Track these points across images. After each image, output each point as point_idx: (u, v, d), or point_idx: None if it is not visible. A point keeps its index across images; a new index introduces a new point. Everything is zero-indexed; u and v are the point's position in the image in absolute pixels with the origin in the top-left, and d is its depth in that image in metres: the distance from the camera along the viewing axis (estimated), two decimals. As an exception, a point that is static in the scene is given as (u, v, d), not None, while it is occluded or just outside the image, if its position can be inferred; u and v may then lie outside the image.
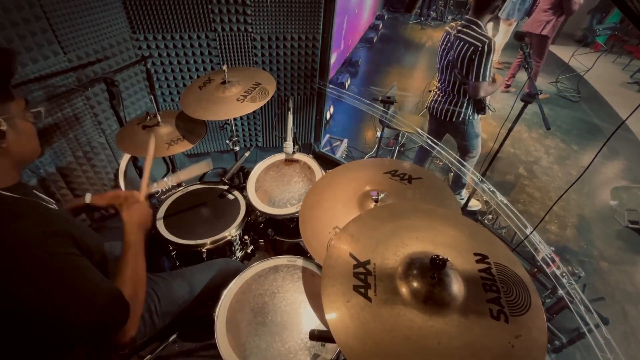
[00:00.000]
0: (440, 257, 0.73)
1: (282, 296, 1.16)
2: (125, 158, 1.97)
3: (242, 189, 1.69)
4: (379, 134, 2.62)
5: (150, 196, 1.21)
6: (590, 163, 1.43)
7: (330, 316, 0.71)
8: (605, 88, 5.06)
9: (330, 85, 2.55)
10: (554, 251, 1.68)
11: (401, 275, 0.77)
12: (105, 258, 0.93)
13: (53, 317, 0.67)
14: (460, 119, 2.18)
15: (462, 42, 1.91)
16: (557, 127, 3.95)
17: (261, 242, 1.89)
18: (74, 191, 1.83)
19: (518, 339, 0.68)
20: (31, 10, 1.41)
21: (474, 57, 1.86)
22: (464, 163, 2.35)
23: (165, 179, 1.31)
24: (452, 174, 2.81)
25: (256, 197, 1.60)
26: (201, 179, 1.83)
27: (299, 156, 1.80)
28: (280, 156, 1.81)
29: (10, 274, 0.64)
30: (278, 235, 1.69)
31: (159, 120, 1.56)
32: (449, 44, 2.03)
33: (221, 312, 1.10)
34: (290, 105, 1.92)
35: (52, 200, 0.87)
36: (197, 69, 2.30)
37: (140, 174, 1.91)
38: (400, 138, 3.17)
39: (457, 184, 2.64)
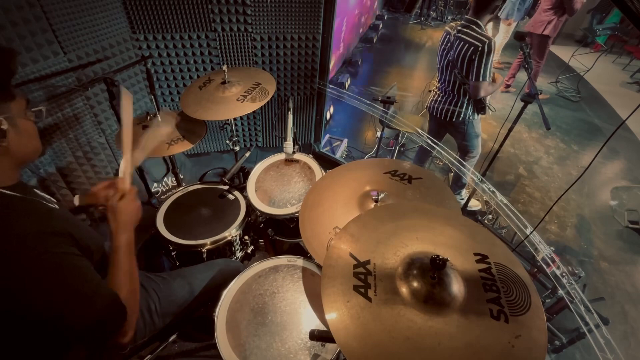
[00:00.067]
0: (440, 257, 0.73)
1: (282, 296, 1.16)
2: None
3: (242, 189, 1.69)
4: (379, 134, 2.62)
5: (150, 195, 1.21)
6: (590, 163, 1.43)
7: (330, 316, 0.71)
8: (605, 88, 5.06)
9: (330, 85, 2.55)
10: (554, 251, 1.68)
11: (401, 275, 0.77)
12: (106, 258, 0.93)
13: (53, 316, 0.67)
14: (461, 119, 2.17)
15: (462, 42, 1.91)
16: (557, 127, 3.95)
17: (261, 242, 1.89)
18: (74, 191, 1.83)
19: (518, 339, 0.68)
20: (31, 10, 1.41)
21: (474, 57, 1.86)
22: (464, 163, 2.35)
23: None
24: (452, 174, 2.81)
25: (256, 197, 1.60)
26: (201, 179, 1.83)
27: (299, 156, 1.80)
28: (280, 156, 1.81)
29: (10, 273, 0.64)
30: (278, 235, 1.69)
31: (159, 120, 1.56)
32: (449, 44, 2.03)
33: (221, 312, 1.10)
34: (290, 105, 1.92)
35: (52, 199, 0.87)
36: (197, 69, 2.30)
37: (141, 174, 1.92)
38: (400, 138, 3.17)
39: (457, 184, 2.64)
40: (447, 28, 2.07)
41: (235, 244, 1.56)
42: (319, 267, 1.23)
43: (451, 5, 7.86)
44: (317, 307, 1.12)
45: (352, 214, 1.05)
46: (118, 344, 0.79)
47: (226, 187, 1.69)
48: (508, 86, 4.64)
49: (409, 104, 4.19)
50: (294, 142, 1.74)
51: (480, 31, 1.86)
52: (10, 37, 1.35)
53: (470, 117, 2.17)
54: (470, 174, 2.26)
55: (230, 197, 1.66)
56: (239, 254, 1.62)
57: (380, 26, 6.65)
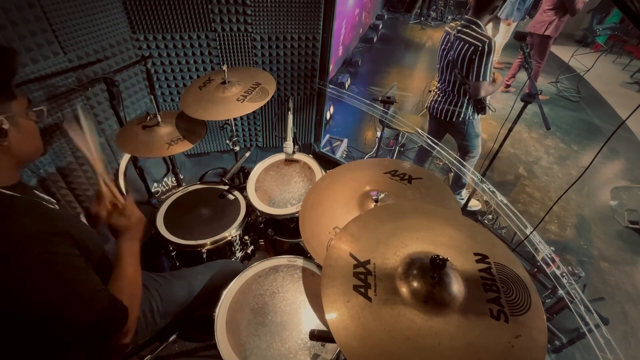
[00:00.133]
0: (440, 257, 0.73)
1: (282, 296, 1.16)
2: (125, 158, 1.97)
3: (242, 189, 1.69)
4: (379, 134, 2.62)
5: (150, 196, 1.21)
6: (590, 163, 1.43)
7: (330, 316, 0.71)
8: (605, 88, 5.06)
9: (330, 85, 2.55)
10: (554, 251, 1.68)
11: (401, 275, 0.77)
12: (106, 258, 0.93)
13: (52, 316, 0.67)
14: (461, 119, 2.18)
15: (462, 42, 1.91)
16: (557, 127, 3.95)
17: (261, 242, 1.89)
18: (74, 191, 1.83)
19: (518, 339, 0.68)
20: (31, 10, 1.41)
21: (474, 57, 1.86)
22: (464, 163, 2.35)
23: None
24: (452, 174, 2.81)
25: (256, 197, 1.60)
26: (201, 179, 1.83)
27: (299, 156, 1.80)
28: (280, 156, 1.81)
29: (10, 273, 0.64)
30: (278, 235, 1.69)
31: (159, 120, 1.56)
32: (448, 44, 2.03)
33: (221, 312, 1.10)
34: (290, 105, 1.92)
35: (52, 200, 0.87)
36: (197, 69, 2.30)
37: (141, 174, 1.92)
38: (400, 138, 3.17)
39: (457, 184, 2.64)
40: (447, 28, 2.07)
41: (235, 244, 1.56)
42: (319, 267, 1.23)
43: (451, 5, 7.86)
44: (317, 307, 1.12)
45: (352, 214, 1.05)
46: (118, 345, 0.79)
47: (226, 187, 1.69)
48: (508, 86, 4.64)
49: (409, 104, 4.19)
50: (294, 142, 1.74)
51: (480, 31, 1.86)
52: (10, 37, 1.35)
53: (470, 117, 2.17)
54: (470, 174, 2.26)
55: (230, 197, 1.66)
56: (239, 254, 1.62)
57: (380, 26, 6.65)
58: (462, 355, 0.66)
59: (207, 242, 1.43)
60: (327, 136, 3.11)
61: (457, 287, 0.75)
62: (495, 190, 1.92)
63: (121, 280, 0.85)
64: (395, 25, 7.46)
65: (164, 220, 1.52)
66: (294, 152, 1.76)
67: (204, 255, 1.45)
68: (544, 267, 1.65)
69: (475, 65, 1.88)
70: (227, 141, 1.95)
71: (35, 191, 0.84)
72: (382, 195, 1.11)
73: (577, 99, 4.64)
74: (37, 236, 0.68)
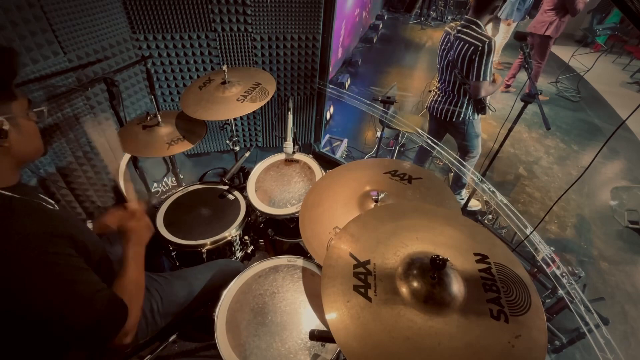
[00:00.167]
0: (440, 257, 0.73)
1: (282, 296, 1.16)
2: (125, 158, 1.97)
3: (242, 189, 1.69)
4: (379, 134, 2.62)
5: (150, 196, 1.22)
6: (590, 163, 1.43)
7: (330, 316, 0.71)
8: (605, 88, 5.06)
9: (330, 85, 2.55)
10: (554, 251, 1.68)
11: (401, 275, 0.77)
12: (106, 259, 0.93)
13: (52, 317, 0.67)
14: (461, 119, 2.18)
15: (462, 42, 1.91)
16: (557, 127, 3.96)
17: (261, 242, 1.89)
18: (74, 191, 1.83)
19: (518, 339, 0.68)
20: (31, 10, 1.41)
21: (474, 57, 1.86)
22: (464, 163, 2.35)
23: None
24: (452, 174, 2.81)
25: (256, 197, 1.60)
26: (201, 179, 1.83)
27: (299, 156, 1.80)
28: (280, 156, 1.81)
29: (10, 273, 0.64)
30: (278, 235, 1.69)
31: (159, 120, 1.56)
32: (448, 44, 2.03)
33: (221, 312, 1.10)
34: (290, 105, 1.92)
35: (52, 200, 0.87)
36: (197, 69, 2.30)
37: (141, 174, 1.92)
38: (400, 138, 3.17)
39: (457, 184, 2.64)
40: (446, 28, 2.07)
41: (235, 244, 1.56)
42: (319, 267, 1.23)
43: (451, 5, 7.86)
44: (317, 307, 1.12)
45: (352, 214, 1.05)
46: (119, 345, 0.79)
47: (226, 187, 1.69)
48: (508, 86, 4.64)
49: (409, 104, 4.19)
50: (294, 142, 1.74)
51: (480, 31, 1.86)
52: (10, 37, 1.35)
53: (470, 117, 2.17)
54: (470, 174, 2.26)
55: (230, 197, 1.66)
56: (239, 254, 1.62)
57: (380, 26, 6.65)
58: (462, 355, 0.66)
59: (207, 242, 1.43)
60: (327, 136, 3.11)
61: (457, 287, 0.75)
62: (495, 190, 1.92)
63: (125, 281, 0.87)
64: (395, 25, 7.46)
65: (164, 220, 1.52)
66: (294, 152, 1.76)
67: (204, 255, 1.45)
68: (544, 267, 1.65)
69: (476, 65, 1.88)
70: (227, 141, 1.95)
71: (35, 192, 0.84)
72: (382, 195, 1.11)
73: (577, 99, 4.64)
74: (36, 237, 0.68)
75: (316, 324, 1.08)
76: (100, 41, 1.78)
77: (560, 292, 1.58)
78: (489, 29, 4.37)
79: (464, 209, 2.38)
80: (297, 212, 1.50)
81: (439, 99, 2.23)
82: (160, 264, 1.65)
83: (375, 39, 6.18)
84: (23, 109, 0.77)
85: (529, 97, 1.71)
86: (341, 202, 1.20)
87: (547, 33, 3.82)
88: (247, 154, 1.81)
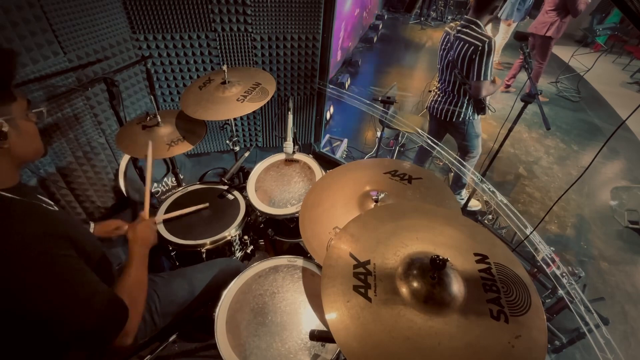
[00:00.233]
0: (440, 257, 0.72)
1: (282, 296, 1.16)
2: (125, 158, 1.98)
3: (242, 189, 1.69)
4: (379, 134, 2.62)
5: (150, 196, 1.24)
6: (590, 163, 1.43)
7: (330, 316, 0.71)
8: (605, 88, 5.06)
9: (330, 85, 2.55)
10: (554, 251, 1.68)
11: (401, 276, 0.77)
12: (106, 260, 0.93)
13: (51, 317, 0.67)
14: (461, 119, 2.18)
15: (462, 42, 1.91)
16: (557, 127, 3.96)
17: (261, 242, 1.89)
18: (74, 191, 1.83)
19: (518, 339, 0.68)
20: (31, 10, 1.41)
21: (474, 56, 1.86)
22: (464, 163, 2.35)
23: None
24: (452, 174, 2.81)
25: (256, 197, 1.59)
26: (201, 179, 1.83)
27: (299, 156, 1.79)
28: (280, 156, 1.81)
29: (10, 273, 0.64)
30: (278, 235, 1.69)
31: (159, 120, 1.56)
32: (448, 44, 2.03)
33: (221, 312, 1.10)
34: (290, 105, 1.92)
35: (51, 202, 0.87)
36: (197, 69, 2.30)
37: (141, 174, 1.92)
38: (400, 138, 3.17)
39: (457, 184, 2.64)
40: (446, 28, 2.07)
41: (234, 244, 1.56)
42: (319, 267, 1.23)
43: (451, 5, 7.86)
44: (317, 307, 1.12)
45: (352, 214, 1.05)
46: (120, 346, 0.79)
47: (226, 187, 1.69)
48: (508, 86, 4.64)
49: (409, 104, 4.19)
50: (294, 142, 1.74)
51: (480, 31, 1.86)
52: (10, 37, 1.35)
53: (471, 117, 2.17)
54: (470, 174, 2.26)
55: (230, 197, 1.66)
56: (238, 254, 1.62)
57: (380, 26, 6.65)
58: (462, 355, 0.66)
59: (207, 242, 1.43)
60: (327, 136, 3.11)
61: (457, 287, 0.75)
62: (495, 190, 1.92)
63: (128, 281, 0.89)
64: (395, 25, 7.46)
65: (164, 220, 1.52)
66: (294, 152, 1.76)
67: (204, 255, 1.45)
68: (544, 267, 1.65)
69: (476, 65, 1.88)
70: (227, 141, 1.95)
71: (34, 192, 0.84)
72: (382, 195, 1.11)
73: (577, 99, 4.64)
74: (36, 237, 0.68)
75: (316, 324, 1.08)
76: (100, 41, 1.78)
77: (560, 292, 1.58)
78: (488, 29, 4.38)
79: (464, 209, 2.38)
80: (297, 212, 1.50)
81: (439, 99, 2.23)
82: (160, 264, 1.65)
83: (375, 39, 6.18)
84: (22, 109, 0.77)
85: (529, 97, 1.71)
86: (341, 202, 1.20)
87: (549, 34, 3.82)
88: (247, 154, 1.81)
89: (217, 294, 1.16)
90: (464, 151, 2.37)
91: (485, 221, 2.54)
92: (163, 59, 2.18)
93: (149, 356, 1.26)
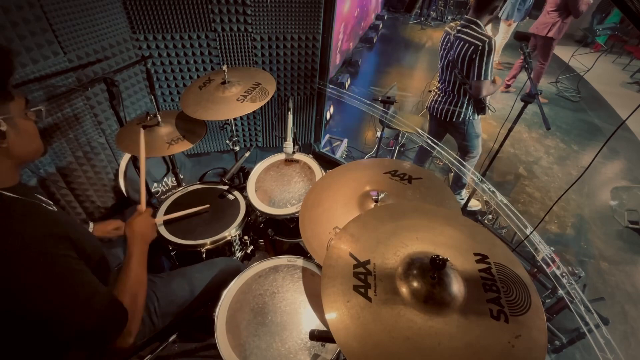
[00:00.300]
0: (440, 257, 0.72)
1: (282, 296, 1.16)
2: (125, 158, 1.97)
3: (242, 189, 1.69)
4: (379, 134, 2.62)
5: (150, 196, 1.24)
6: (590, 163, 1.43)
7: (330, 316, 0.71)
8: (605, 88, 5.06)
9: (330, 85, 2.55)
10: (554, 251, 1.68)
11: (401, 275, 0.77)
12: (105, 261, 0.93)
13: (51, 317, 0.67)
14: (461, 119, 2.17)
15: (462, 42, 1.91)
16: (557, 127, 3.96)
17: (261, 242, 1.89)
18: (74, 191, 1.83)
19: (518, 339, 0.68)
20: (31, 10, 1.41)
21: (474, 56, 1.86)
22: (464, 163, 2.35)
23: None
24: (452, 174, 2.81)
25: (256, 197, 1.59)
26: (201, 179, 1.83)
27: (299, 156, 1.79)
28: (280, 156, 1.81)
29: (10, 273, 0.64)
30: (278, 235, 1.69)
31: (159, 120, 1.56)
32: (449, 44, 2.03)
33: (221, 312, 1.10)
34: (290, 105, 1.92)
35: (51, 202, 0.87)
36: (197, 69, 2.30)
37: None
38: (400, 138, 3.17)
39: (457, 184, 2.64)
40: (447, 28, 2.07)
41: (234, 244, 1.56)
42: (319, 267, 1.23)
43: (451, 5, 7.86)
44: (317, 307, 1.12)
45: (352, 214, 1.05)
46: (121, 346, 0.79)
47: (226, 187, 1.69)
48: (508, 86, 4.64)
49: (409, 104, 4.19)
50: (294, 142, 1.74)
51: (480, 30, 1.86)
52: (10, 37, 1.35)
53: (471, 117, 2.17)
54: (470, 174, 2.26)
55: (230, 197, 1.66)
56: (238, 254, 1.62)
57: (380, 26, 6.65)
58: (462, 355, 0.66)
59: (207, 242, 1.43)
60: (327, 136, 3.11)
61: (457, 287, 0.75)
62: (495, 190, 1.92)
63: (128, 279, 0.88)
64: (395, 25, 7.46)
65: (164, 220, 1.52)
66: (294, 152, 1.76)
67: (204, 255, 1.45)
68: (544, 267, 1.65)
69: (476, 65, 1.88)
70: (227, 141, 1.95)
71: (34, 192, 0.84)
72: (382, 195, 1.11)
73: (577, 99, 4.64)
74: (36, 237, 0.68)
75: (316, 324, 1.08)
76: (100, 41, 1.78)
77: (560, 292, 1.58)
78: (488, 29, 4.37)
79: (464, 209, 2.38)
80: (297, 212, 1.50)
81: (439, 99, 2.23)
82: (160, 264, 1.65)
83: (375, 39, 6.18)
84: (21, 108, 0.76)
85: (529, 97, 1.71)
86: (341, 202, 1.20)
87: (550, 34, 3.83)
88: (247, 154, 1.81)
89: (217, 293, 1.16)
90: (464, 151, 2.37)
91: (485, 221, 2.54)
92: (163, 59, 2.18)
93: (149, 356, 1.26)
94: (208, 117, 1.56)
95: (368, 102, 2.58)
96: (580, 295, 1.52)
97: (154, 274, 1.21)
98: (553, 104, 4.48)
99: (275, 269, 1.25)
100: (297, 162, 1.78)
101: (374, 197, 1.12)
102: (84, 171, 1.86)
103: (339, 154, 2.93)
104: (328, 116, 3.40)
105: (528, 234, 1.72)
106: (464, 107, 2.13)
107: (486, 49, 1.81)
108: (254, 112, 1.91)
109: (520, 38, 2.81)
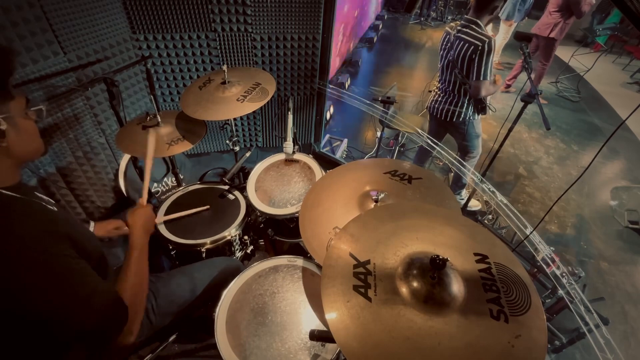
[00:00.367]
0: (440, 257, 0.72)
1: (282, 296, 1.16)
2: (125, 158, 1.97)
3: (242, 189, 1.69)
4: (379, 134, 2.62)
5: (150, 196, 1.24)
6: (590, 163, 1.43)
7: (330, 316, 0.71)
8: (605, 88, 5.06)
9: (330, 85, 2.55)
10: (554, 251, 1.68)
11: (401, 275, 0.77)
12: (105, 260, 0.93)
13: (52, 317, 0.67)
14: (461, 119, 2.17)
15: (462, 42, 1.91)
16: (557, 127, 3.96)
17: (261, 242, 1.89)
18: (74, 191, 1.83)
19: (518, 339, 0.68)
20: (31, 10, 1.41)
21: (474, 56, 1.86)
22: (464, 163, 2.35)
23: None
24: (452, 174, 2.81)
25: (256, 197, 1.60)
26: (201, 179, 1.83)
27: (299, 156, 1.79)
28: (280, 156, 1.81)
29: (10, 273, 0.64)
30: (278, 235, 1.69)
31: (159, 120, 1.56)
32: (449, 44, 2.03)
33: (221, 312, 1.10)
34: (290, 105, 1.92)
35: (52, 200, 0.87)
36: (197, 69, 2.30)
37: (141, 175, 1.92)
38: (400, 138, 3.17)
39: (457, 184, 2.64)
40: (447, 28, 2.07)
41: (234, 243, 1.56)
42: (319, 267, 1.23)
43: (451, 5, 7.87)
44: (317, 307, 1.12)
45: (352, 214, 1.05)
46: (122, 345, 0.79)
47: (226, 187, 1.69)
48: (508, 86, 4.64)
49: (409, 104, 4.20)
50: (294, 142, 1.74)
51: (480, 30, 1.86)
52: (10, 37, 1.35)
53: (471, 118, 2.17)
54: (470, 174, 2.26)
55: (230, 197, 1.66)
56: (238, 254, 1.62)
57: (380, 26, 6.66)
58: (462, 355, 0.66)
59: (207, 242, 1.43)
60: (327, 136, 3.11)
61: (457, 287, 0.75)
62: (495, 190, 1.92)
63: (129, 277, 0.89)
64: (395, 25, 7.46)
65: (164, 220, 1.52)
66: (294, 152, 1.76)
67: (204, 255, 1.45)
68: (544, 267, 1.65)
69: (476, 65, 1.88)
70: (227, 141, 1.95)
71: (34, 192, 0.84)
72: (382, 195, 1.11)
73: (577, 99, 4.64)
74: (37, 237, 0.68)
75: (316, 324, 1.08)
76: (100, 41, 1.78)
77: (560, 292, 1.58)
78: (489, 29, 4.37)
79: (464, 209, 2.38)
80: (297, 212, 1.50)
81: (439, 99, 2.23)
82: (160, 264, 1.65)
83: (375, 39, 6.18)
84: (21, 108, 0.76)
85: (529, 98, 1.71)
86: (341, 202, 1.20)
87: (552, 35, 3.83)
88: (247, 154, 1.81)
89: (217, 293, 1.16)
90: (464, 151, 2.37)
91: (485, 221, 2.54)
92: (163, 59, 2.18)
93: (149, 356, 1.26)
94: (208, 117, 1.56)
95: (368, 102, 2.58)
96: (580, 295, 1.52)
97: (153, 273, 1.21)
98: (553, 104, 4.48)
99: (275, 269, 1.25)
100: (297, 162, 1.78)
101: (374, 197, 1.12)
102: (84, 171, 1.86)
103: (339, 154, 2.93)
104: (328, 116, 3.40)
105: (528, 234, 1.72)
106: (464, 107, 2.13)
107: (486, 49, 1.81)
108: (254, 112, 1.91)
109: (520, 38, 2.80)
